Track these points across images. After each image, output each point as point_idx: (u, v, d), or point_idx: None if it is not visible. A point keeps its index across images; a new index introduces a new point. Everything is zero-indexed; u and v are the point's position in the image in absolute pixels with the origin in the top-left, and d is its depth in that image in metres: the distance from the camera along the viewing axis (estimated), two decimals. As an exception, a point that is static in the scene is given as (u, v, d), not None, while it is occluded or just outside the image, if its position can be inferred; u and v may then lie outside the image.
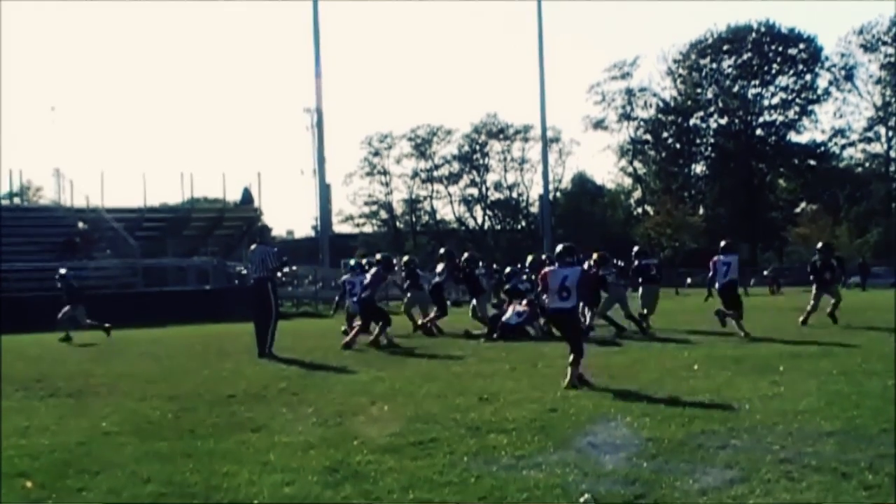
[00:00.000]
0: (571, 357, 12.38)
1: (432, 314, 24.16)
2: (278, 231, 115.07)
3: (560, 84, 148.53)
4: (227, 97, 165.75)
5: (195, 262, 45.23)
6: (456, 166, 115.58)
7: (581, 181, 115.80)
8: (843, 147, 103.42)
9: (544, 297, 14.27)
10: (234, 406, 11.43)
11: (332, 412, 10.63)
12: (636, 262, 23.20)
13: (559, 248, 13.59)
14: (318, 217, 61.11)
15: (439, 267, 25.62)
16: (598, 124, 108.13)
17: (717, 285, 20.25)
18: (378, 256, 23.09)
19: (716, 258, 20.31)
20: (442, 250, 27.56)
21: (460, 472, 7.34)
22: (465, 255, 25.17)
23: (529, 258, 24.05)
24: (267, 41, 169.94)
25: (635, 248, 24.58)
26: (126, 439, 9.30)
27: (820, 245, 24.84)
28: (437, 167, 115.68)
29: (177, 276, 44.73)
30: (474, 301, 25.17)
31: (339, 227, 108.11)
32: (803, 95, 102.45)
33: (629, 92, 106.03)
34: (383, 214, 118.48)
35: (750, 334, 18.36)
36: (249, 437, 9.27)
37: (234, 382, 13.83)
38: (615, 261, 23.05)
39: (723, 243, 21.25)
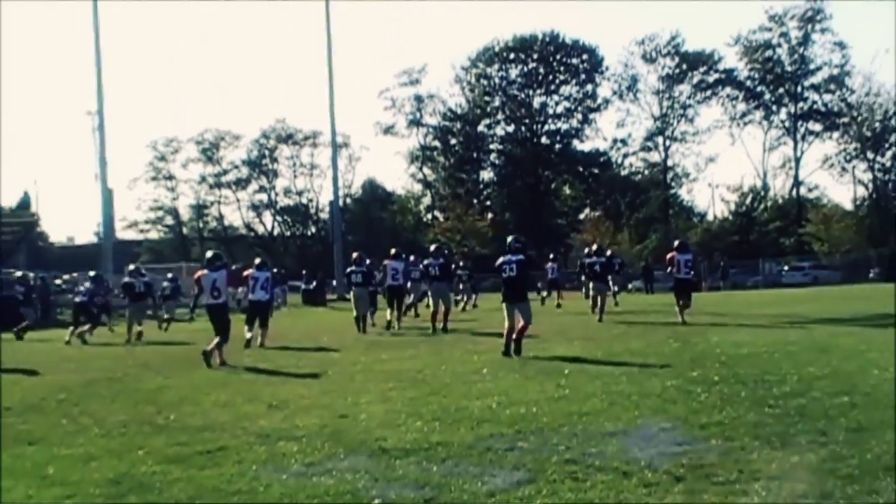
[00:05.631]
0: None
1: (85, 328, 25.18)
2: (58, 237, 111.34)
3: (350, 89, 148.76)
4: (3, 100, 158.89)
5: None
6: (244, 171, 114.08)
7: (371, 187, 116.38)
8: (625, 156, 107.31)
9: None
10: (10, 418, 10.99)
11: (115, 422, 10.34)
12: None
13: (209, 254, 18.27)
14: (100, 223, 59.29)
15: (86, 284, 27.01)
16: (388, 130, 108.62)
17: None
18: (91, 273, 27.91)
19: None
20: (91, 273, 29.43)
21: (249, 481, 7.26)
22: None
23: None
24: (46, 42, 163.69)
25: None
26: None
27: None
28: (225, 172, 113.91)
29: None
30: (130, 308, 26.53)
31: (124, 234, 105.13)
32: (585, 104, 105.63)
33: (418, 98, 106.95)
34: (169, 220, 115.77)
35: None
36: (26, 450, 8.94)
37: (9, 394, 13.28)
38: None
39: (432, 247, 24.40)
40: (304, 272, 59.58)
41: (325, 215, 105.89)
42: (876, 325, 19.05)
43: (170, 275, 34.90)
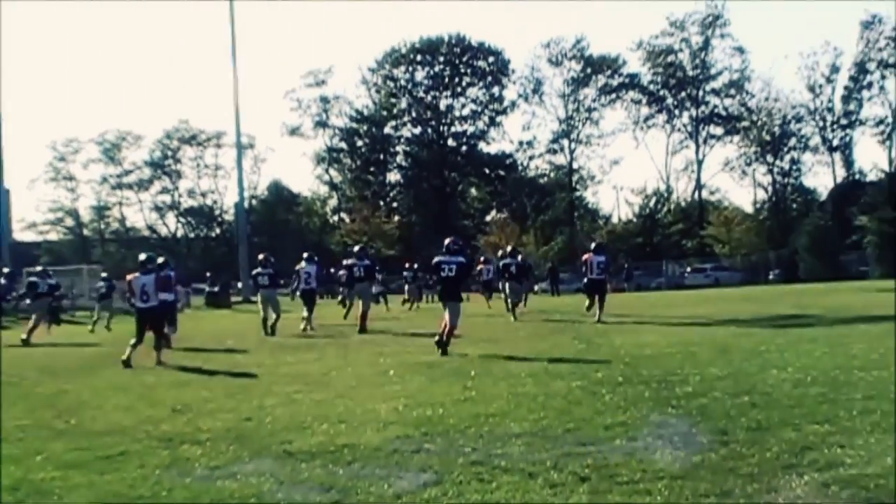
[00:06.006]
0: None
1: None
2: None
3: (255, 90, 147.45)
4: None
5: None
6: (147, 172, 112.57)
7: (277, 189, 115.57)
8: (531, 158, 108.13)
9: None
10: None
11: (12, 427, 10.12)
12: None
13: (141, 256, 18.47)
14: (-3, 224, 57.99)
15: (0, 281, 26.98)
16: (294, 131, 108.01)
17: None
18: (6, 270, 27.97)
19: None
20: (6, 269, 30.11)
21: (152, 486, 7.15)
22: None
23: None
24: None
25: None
26: None
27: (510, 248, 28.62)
28: (127, 173, 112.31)
29: None
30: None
31: (22, 235, 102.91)
32: (492, 107, 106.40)
33: (324, 99, 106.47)
34: (69, 221, 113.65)
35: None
36: (-82, 457, 8.67)
37: None
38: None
39: (356, 248, 25.77)
40: (208, 274, 58.98)
41: (229, 217, 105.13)
42: (775, 326, 19.42)
43: (104, 275, 34.90)
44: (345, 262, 25.30)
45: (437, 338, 16.62)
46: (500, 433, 8.61)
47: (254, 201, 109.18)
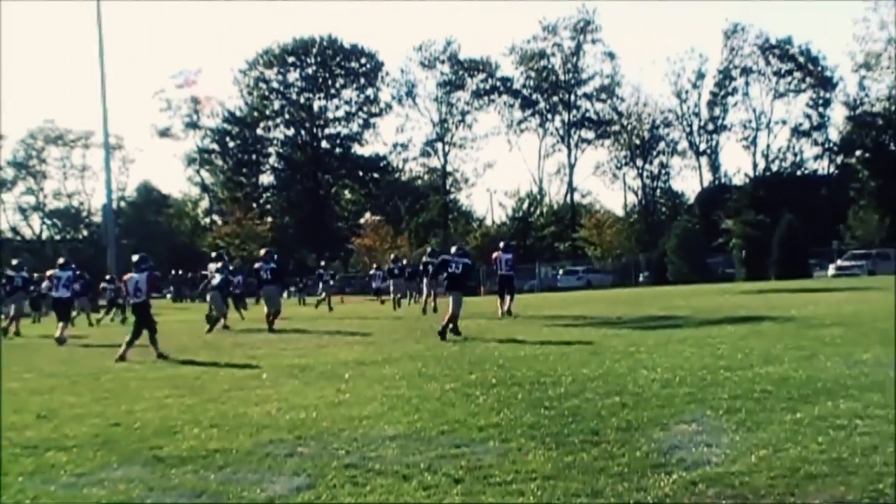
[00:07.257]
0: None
1: None
2: None
3: (123, 89, 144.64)
4: None
5: None
6: (10, 172, 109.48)
7: (146, 190, 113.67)
8: (405, 161, 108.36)
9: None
10: None
11: None
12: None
13: (134, 257, 18.91)
14: None
15: None
16: (165, 133, 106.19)
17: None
18: None
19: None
20: None
21: (15, 494, 7.00)
22: None
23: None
24: None
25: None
26: None
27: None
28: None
29: None
30: None
31: None
32: (366, 109, 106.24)
33: (195, 100, 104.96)
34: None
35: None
36: None
37: None
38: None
39: (262, 252, 26.30)
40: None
41: (97, 219, 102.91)
42: (645, 328, 19.74)
43: (108, 277, 39.19)
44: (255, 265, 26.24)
45: (439, 328, 19.01)
46: (373, 436, 8.59)
47: (122, 203, 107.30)
